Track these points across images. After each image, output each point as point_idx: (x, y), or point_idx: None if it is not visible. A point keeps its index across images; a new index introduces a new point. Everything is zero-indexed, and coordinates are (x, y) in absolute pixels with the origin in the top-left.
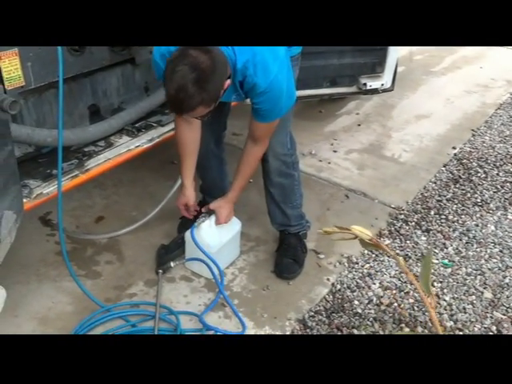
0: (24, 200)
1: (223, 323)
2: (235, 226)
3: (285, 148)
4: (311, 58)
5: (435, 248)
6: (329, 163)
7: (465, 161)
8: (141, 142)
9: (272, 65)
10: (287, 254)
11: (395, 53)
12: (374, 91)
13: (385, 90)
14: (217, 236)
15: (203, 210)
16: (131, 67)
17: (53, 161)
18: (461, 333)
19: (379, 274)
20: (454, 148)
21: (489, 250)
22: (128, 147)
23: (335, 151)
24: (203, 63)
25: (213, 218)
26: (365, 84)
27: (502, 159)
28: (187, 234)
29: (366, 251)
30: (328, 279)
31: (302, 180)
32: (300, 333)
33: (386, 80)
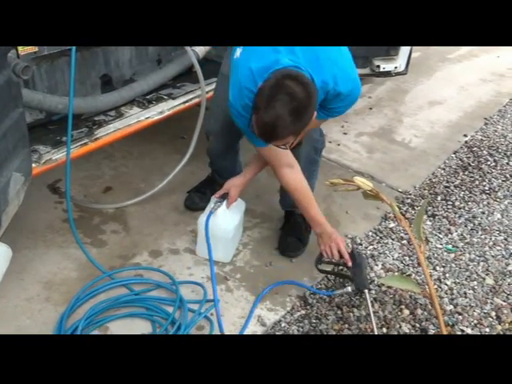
0: (33, 165)
1: (225, 296)
2: (241, 206)
3: (317, 133)
4: None
5: (440, 233)
6: (338, 145)
7: (475, 149)
8: (151, 114)
9: (348, 67)
10: (292, 233)
11: None
12: (388, 74)
13: (398, 73)
14: (230, 219)
15: (215, 196)
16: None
17: (63, 128)
18: (460, 317)
19: (382, 255)
20: (466, 135)
21: (493, 238)
22: (138, 118)
23: (345, 133)
24: (300, 94)
25: (225, 202)
26: (378, 66)
27: None
28: (202, 221)
29: (370, 233)
30: None
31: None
32: (300, 309)
33: (399, 63)
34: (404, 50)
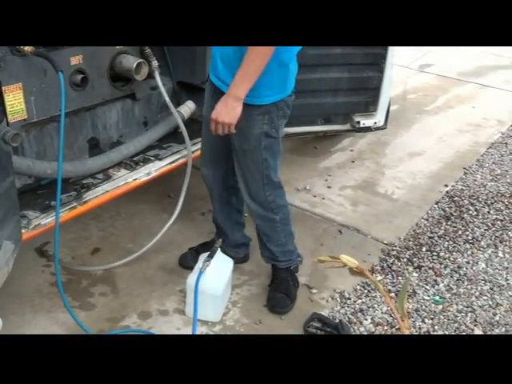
0: (22, 230)
1: None
2: (229, 264)
3: (261, 193)
4: (306, 96)
5: (426, 284)
6: (323, 199)
7: (456, 198)
8: (138, 176)
9: None
10: (279, 289)
11: (387, 92)
12: (368, 129)
13: (378, 128)
14: (219, 278)
15: (201, 256)
16: (131, 102)
17: (51, 192)
18: None
19: (371, 309)
20: (446, 186)
21: (479, 288)
22: (126, 180)
23: (329, 187)
24: None
25: (213, 261)
26: (358, 122)
27: (493, 197)
28: (191, 281)
29: (358, 287)
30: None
31: (296, 215)
32: None
33: (379, 118)
34: (382, 106)
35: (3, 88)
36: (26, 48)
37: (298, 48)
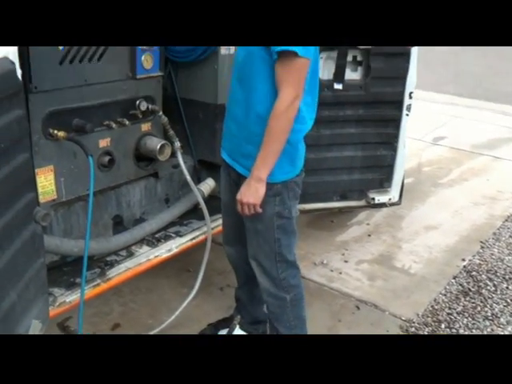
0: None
1: None
2: None
3: (273, 270)
4: (322, 173)
5: None
6: (340, 273)
7: (474, 273)
8: (160, 252)
9: None
10: None
11: (401, 169)
12: (382, 205)
13: (392, 204)
14: None
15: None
16: (154, 180)
17: (76, 269)
18: None
19: None
20: (464, 260)
21: None
22: (148, 257)
23: (346, 261)
24: None
25: (234, 332)
26: (373, 198)
27: (511, 272)
28: None
29: None
30: None
31: (314, 290)
32: None
33: (393, 195)
34: (396, 182)
35: (36, 170)
36: (59, 133)
37: (307, 129)
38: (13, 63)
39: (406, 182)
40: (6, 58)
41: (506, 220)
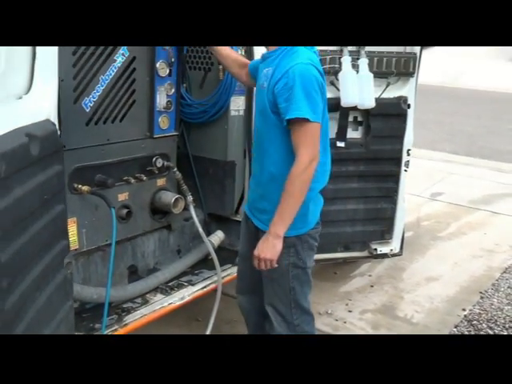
0: None
1: None
2: None
3: (288, 315)
4: (327, 225)
5: None
6: (344, 323)
7: (475, 322)
8: (173, 300)
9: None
10: None
11: (401, 222)
12: (384, 256)
13: (394, 255)
14: None
15: None
16: (167, 232)
17: (95, 315)
18: None
19: None
20: (464, 309)
21: None
22: (162, 304)
23: (350, 311)
24: None
25: None
26: (375, 249)
27: (510, 321)
28: None
29: None
30: None
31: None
32: None
33: (394, 246)
34: (397, 234)
35: None
36: (83, 188)
37: (320, 187)
38: (54, 124)
39: (406, 235)
40: (48, 120)
41: (504, 272)
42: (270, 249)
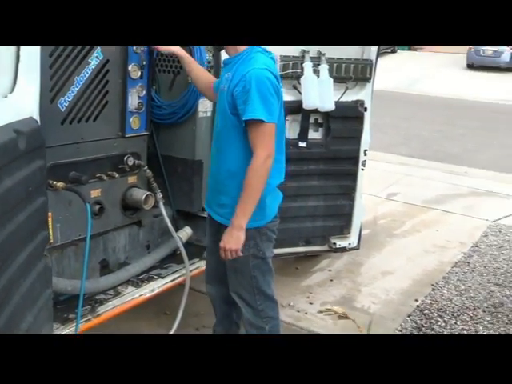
0: None
1: None
2: None
3: (252, 301)
4: (288, 221)
5: None
6: (306, 314)
7: (426, 311)
8: (144, 292)
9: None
10: None
11: (359, 218)
12: (343, 249)
13: (352, 249)
14: None
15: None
16: (137, 228)
17: (69, 307)
18: None
19: None
20: (417, 300)
21: None
22: (133, 296)
23: (311, 303)
24: None
25: None
26: (334, 243)
27: (458, 310)
28: None
29: None
30: None
31: (283, 328)
32: None
33: (352, 240)
34: (355, 229)
35: None
36: (58, 184)
37: (275, 183)
38: (37, 122)
39: (363, 233)
40: (31, 118)
41: (454, 266)
42: (234, 240)
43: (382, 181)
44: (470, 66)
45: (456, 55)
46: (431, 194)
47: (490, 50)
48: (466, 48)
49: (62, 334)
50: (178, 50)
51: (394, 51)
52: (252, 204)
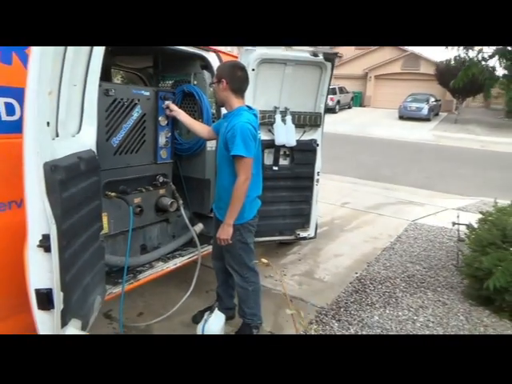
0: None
1: None
2: (222, 318)
3: (240, 271)
4: (268, 219)
5: (342, 329)
6: (280, 282)
7: (362, 280)
8: (169, 265)
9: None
10: (238, 332)
11: (315, 217)
12: (304, 238)
13: (311, 238)
14: (216, 325)
15: (206, 314)
16: (166, 224)
17: (118, 275)
18: None
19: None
20: (356, 273)
21: (374, 331)
22: (162, 268)
23: (285, 275)
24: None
25: (213, 314)
26: (298, 234)
27: (384, 279)
28: (199, 327)
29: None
30: None
31: (265, 292)
32: None
33: (310, 232)
34: (312, 224)
35: None
36: (112, 194)
37: (253, 195)
38: (94, 152)
39: (323, 229)
40: (90, 150)
41: (383, 250)
42: (225, 232)
43: (338, 194)
44: (401, 117)
45: (392, 110)
46: (371, 203)
47: (413, 106)
48: (398, 104)
49: (114, 291)
50: (178, 114)
51: (349, 107)
52: (237, 209)
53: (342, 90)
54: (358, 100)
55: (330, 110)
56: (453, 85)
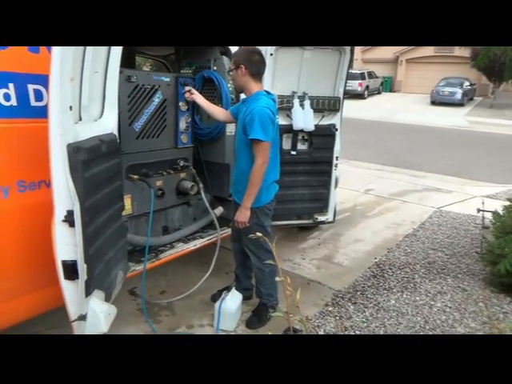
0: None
1: None
2: (240, 297)
3: (257, 253)
4: (286, 203)
5: (358, 312)
6: (299, 265)
7: (381, 265)
8: (189, 246)
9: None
10: (255, 314)
11: (333, 201)
12: (323, 222)
13: (329, 222)
14: (233, 303)
15: (224, 293)
16: (187, 206)
17: (141, 254)
18: None
19: (322, 326)
20: (376, 258)
21: (390, 314)
22: (182, 248)
23: (304, 259)
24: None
25: (231, 293)
26: (317, 218)
27: (403, 265)
28: (217, 305)
29: (317, 314)
30: None
31: (283, 274)
32: None
33: (329, 216)
34: (331, 209)
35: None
36: (134, 176)
37: (270, 180)
38: (115, 135)
39: (344, 215)
40: (112, 133)
41: (405, 237)
42: (243, 215)
43: (362, 180)
44: (433, 103)
45: (423, 95)
46: (395, 190)
47: (446, 90)
48: (430, 89)
49: (136, 269)
50: (197, 98)
51: (379, 92)
52: (254, 192)
53: (371, 75)
54: (388, 85)
55: (358, 96)
56: (474, 66)
